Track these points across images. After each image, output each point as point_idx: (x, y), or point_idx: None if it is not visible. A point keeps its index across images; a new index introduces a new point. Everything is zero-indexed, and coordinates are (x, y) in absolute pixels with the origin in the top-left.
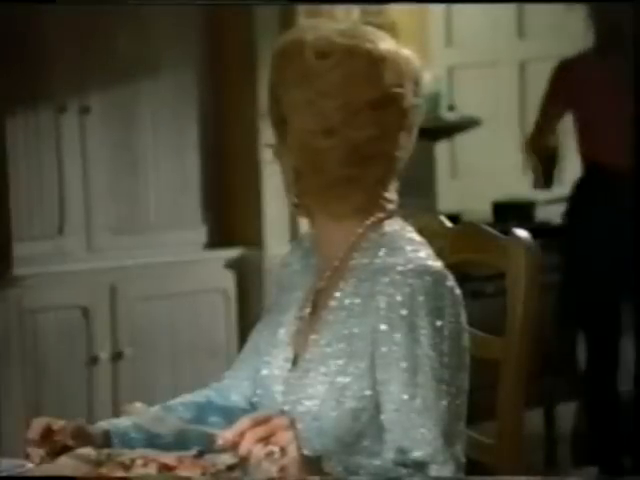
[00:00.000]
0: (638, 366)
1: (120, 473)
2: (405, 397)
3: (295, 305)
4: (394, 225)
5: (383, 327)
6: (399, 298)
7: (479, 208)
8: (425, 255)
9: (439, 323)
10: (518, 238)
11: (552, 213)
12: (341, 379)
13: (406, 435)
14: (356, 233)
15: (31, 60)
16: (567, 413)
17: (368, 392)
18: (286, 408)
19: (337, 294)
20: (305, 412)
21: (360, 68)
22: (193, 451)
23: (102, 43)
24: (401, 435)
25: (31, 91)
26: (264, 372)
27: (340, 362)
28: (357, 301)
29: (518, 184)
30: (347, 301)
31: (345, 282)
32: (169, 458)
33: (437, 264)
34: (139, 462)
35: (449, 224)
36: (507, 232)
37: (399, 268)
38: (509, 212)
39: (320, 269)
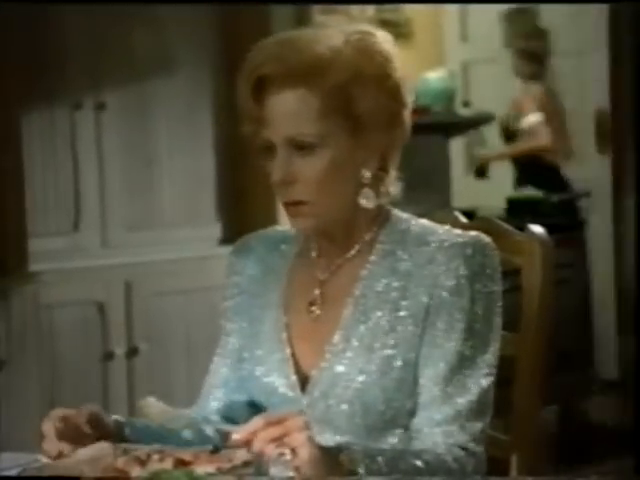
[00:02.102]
0: (638, 364)
1: (136, 467)
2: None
3: (273, 304)
4: (400, 214)
5: (445, 294)
6: (460, 269)
7: (494, 204)
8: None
9: (495, 289)
10: (533, 234)
11: (566, 209)
12: (387, 352)
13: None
14: (368, 226)
15: (47, 57)
16: (584, 409)
17: (412, 361)
18: (316, 394)
19: (360, 282)
20: (349, 390)
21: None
22: (209, 446)
23: (117, 40)
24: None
25: (47, 88)
26: (258, 373)
27: (384, 337)
28: (395, 284)
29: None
30: (380, 285)
31: (368, 270)
32: (185, 453)
33: (484, 236)
34: (155, 457)
35: (464, 220)
36: (522, 228)
37: (450, 240)
38: (524, 208)
39: (318, 263)
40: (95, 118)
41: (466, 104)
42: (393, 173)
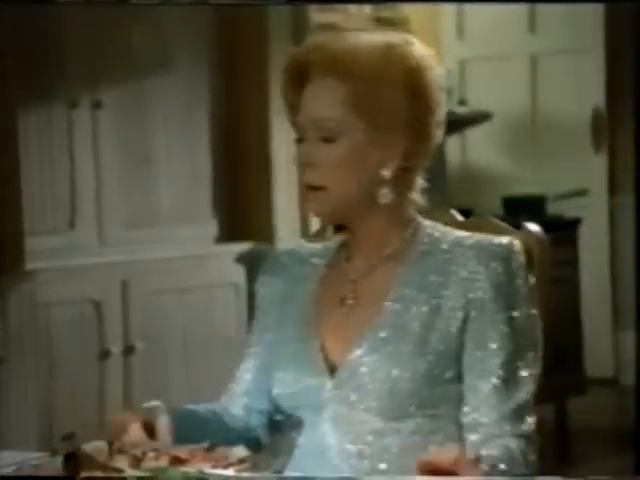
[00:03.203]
0: (638, 361)
1: (132, 465)
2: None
3: (304, 307)
4: (431, 222)
5: (485, 292)
6: (499, 269)
7: (490, 202)
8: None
9: (529, 290)
10: (529, 232)
11: (563, 207)
12: (421, 343)
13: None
14: (401, 232)
15: (44, 55)
16: (578, 407)
17: (447, 354)
18: (345, 376)
19: (397, 278)
20: (379, 375)
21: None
22: (205, 444)
23: (115, 38)
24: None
25: (44, 86)
26: (285, 372)
27: (419, 329)
28: (433, 280)
29: (529, 178)
30: (417, 281)
31: (404, 267)
32: (181, 451)
33: (517, 241)
34: (151, 455)
35: (460, 218)
36: (518, 226)
37: (486, 241)
38: (520, 206)
39: (349, 267)
40: (92, 116)
41: (462, 102)
42: (419, 181)
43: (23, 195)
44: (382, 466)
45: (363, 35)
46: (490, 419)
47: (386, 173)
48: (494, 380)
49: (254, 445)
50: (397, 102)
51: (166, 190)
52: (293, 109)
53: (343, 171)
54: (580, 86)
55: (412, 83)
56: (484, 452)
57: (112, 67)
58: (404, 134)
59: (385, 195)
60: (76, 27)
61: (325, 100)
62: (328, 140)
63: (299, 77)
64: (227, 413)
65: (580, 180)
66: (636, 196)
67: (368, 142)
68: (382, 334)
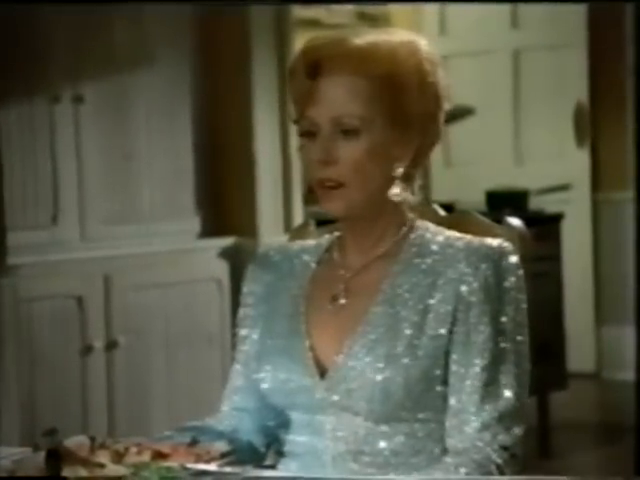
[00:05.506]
0: (638, 358)
1: (114, 460)
2: (477, 370)
3: (293, 304)
4: (424, 222)
5: (474, 293)
6: (488, 271)
7: (473, 197)
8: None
9: (520, 293)
10: (511, 227)
11: (545, 202)
12: (412, 344)
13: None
14: (396, 231)
15: (25, 50)
16: (560, 402)
17: (438, 355)
18: (337, 378)
19: (388, 278)
20: (371, 377)
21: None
22: (187, 439)
23: (97, 33)
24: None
25: (25, 81)
26: (276, 370)
27: (410, 330)
28: (424, 282)
29: (512, 173)
30: (409, 282)
31: (397, 267)
32: (163, 446)
33: (508, 243)
34: (133, 450)
35: (443, 213)
36: (500, 221)
37: (477, 243)
38: (503, 201)
39: (342, 264)
40: (73, 111)
41: None
42: (417, 181)
43: (5, 190)
44: (375, 470)
45: (372, 33)
46: (470, 425)
47: (399, 170)
48: (475, 383)
49: (249, 452)
50: (414, 99)
51: (148, 186)
52: (302, 103)
53: (362, 168)
54: (563, 81)
55: (425, 80)
56: (456, 460)
57: (94, 62)
58: (418, 131)
59: (398, 192)
60: (58, 21)
61: (348, 96)
62: (349, 137)
63: (312, 72)
64: (214, 427)
65: (563, 175)
66: (636, 195)
67: (388, 139)
68: (372, 336)
